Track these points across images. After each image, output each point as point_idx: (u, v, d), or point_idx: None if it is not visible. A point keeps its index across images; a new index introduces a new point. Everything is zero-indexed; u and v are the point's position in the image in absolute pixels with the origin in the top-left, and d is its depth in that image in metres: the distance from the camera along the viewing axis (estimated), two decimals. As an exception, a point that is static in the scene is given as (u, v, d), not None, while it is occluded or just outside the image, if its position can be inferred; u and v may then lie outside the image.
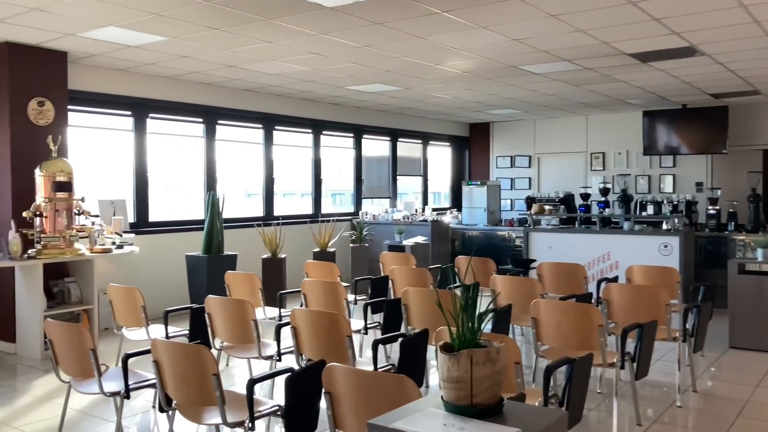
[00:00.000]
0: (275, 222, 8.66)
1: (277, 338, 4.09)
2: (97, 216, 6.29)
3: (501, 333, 4.36)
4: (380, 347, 3.88)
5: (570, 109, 10.86)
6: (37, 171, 5.87)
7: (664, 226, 7.98)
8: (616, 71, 7.49)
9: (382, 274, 6.66)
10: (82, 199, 6.06)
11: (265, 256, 7.87)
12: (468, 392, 1.94)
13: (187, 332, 4.64)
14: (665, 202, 9.20)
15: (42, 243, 5.82)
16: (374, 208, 10.85)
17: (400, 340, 3.77)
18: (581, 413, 3.36)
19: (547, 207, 8.96)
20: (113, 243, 6.47)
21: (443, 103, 10.04)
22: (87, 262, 6.14)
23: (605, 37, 5.90)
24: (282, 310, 5.30)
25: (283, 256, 7.90)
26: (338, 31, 5.65)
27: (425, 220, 9.67)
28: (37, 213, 5.80)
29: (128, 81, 7.33)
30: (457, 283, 6.36)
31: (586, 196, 10.39)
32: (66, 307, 6.07)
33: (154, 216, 7.83)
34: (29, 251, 5.79)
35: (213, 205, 7.19)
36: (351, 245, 9.30)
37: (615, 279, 5.94)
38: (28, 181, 5.96)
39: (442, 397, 2.01)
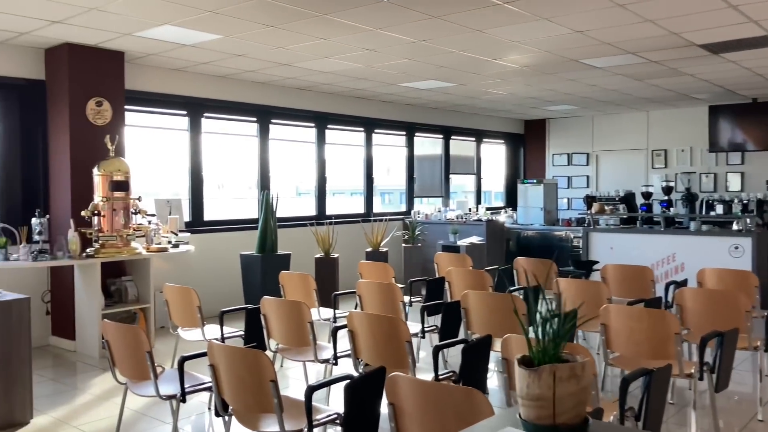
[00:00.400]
0: (328, 221, 8.59)
1: (334, 341, 3.98)
2: (153, 215, 6.32)
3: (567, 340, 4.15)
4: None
5: (630, 104, 10.45)
6: (95, 170, 5.93)
7: (735, 227, 7.56)
8: (683, 64, 7.13)
9: (437, 276, 6.49)
10: (139, 198, 6.09)
11: (318, 256, 7.80)
12: (550, 411, 1.77)
13: (243, 333, 4.57)
14: (735, 201, 8.75)
15: (100, 242, 5.87)
16: (425, 207, 10.68)
17: (461, 346, 3.60)
18: (660, 428, 3.13)
19: (607, 206, 8.63)
20: (169, 242, 6.50)
21: (498, 99, 9.79)
22: (143, 261, 6.17)
23: (675, 28, 5.59)
24: (336, 311, 5.20)
25: (335, 255, 7.82)
26: (394, 26, 5.51)
27: (480, 220, 9.45)
28: (95, 212, 5.85)
29: (183, 81, 7.36)
30: (517, 286, 6.14)
31: (647, 195, 10.00)
32: (123, 305, 6.12)
33: (208, 215, 7.85)
34: (88, 250, 5.85)
35: (267, 205, 7.15)
36: (403, 245, 9.16)
37: (684, 282, 5.63)
38: (86, 181, 6.02)
39: (519, 415, 1.84)
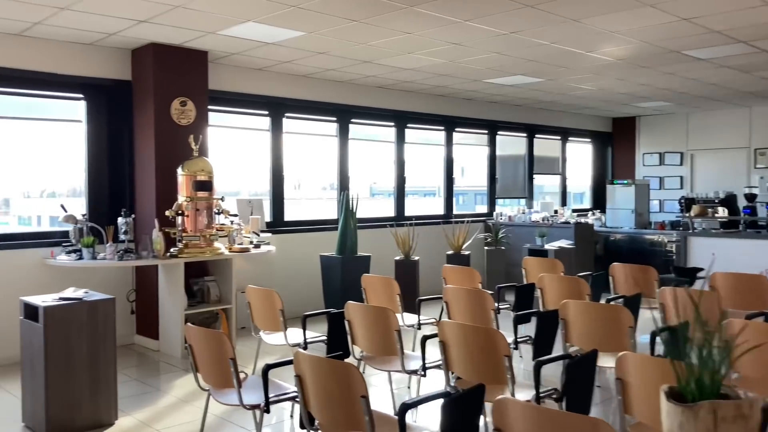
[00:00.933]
0: (407, 222, 8.36)
1: (423, 352, 3.73)
2: (235, 215, 6.27)
3: (676, 358, 3.75)
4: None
5: (731, 99, 9.73)
6: (179, 170, 5.92)
7: None
8: (800, 53, 6.50)
9: (526, 281, 6.15)
10: (222, 199, 6.04)
11: (397, 258, 7.59)
12: (711, 458, 1.47)
13: (325, 338, 4.40)
14: None
15: (183, 242, 5.85)
16: (507, 208, 10.28)
17: (565, 362, 3.29)
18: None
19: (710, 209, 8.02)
20: (251, 242, 6.43)
21: (586, 95, 9.31)
22: (226, 262, 6.13)
23: (798, 11, 5.05)
24: (420, 317, 4.96)
25: (416, 258, 7.58)
26: (483, 17, 5.22)
27: (567, 222, 8.99)
28: (179, 212, 5.83)
29: (265, 80, 7.30)
30: (614, 294, 5.73)
31: (751, 197, 9.27)
32: (205, 305, 6.09)
33: (288, 215, 7.78)
34: (171, 250, 5.84)
35: (347, 205, 6.98)
36: (486, 248, 8.82)
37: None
38: (170, 180, 6.03)
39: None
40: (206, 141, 6.36)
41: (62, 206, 5.82)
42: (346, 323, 4.18)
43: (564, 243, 8.24)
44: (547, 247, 7.99)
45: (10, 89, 5.80)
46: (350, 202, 7.01)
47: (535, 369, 3.17)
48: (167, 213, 5.80)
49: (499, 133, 10.24)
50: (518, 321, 4.41)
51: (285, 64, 6.95)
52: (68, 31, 5.56)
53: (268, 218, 7.46)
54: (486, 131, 10.08)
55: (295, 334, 4.52)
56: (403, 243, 7.50)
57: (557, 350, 4.03)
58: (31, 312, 4.11)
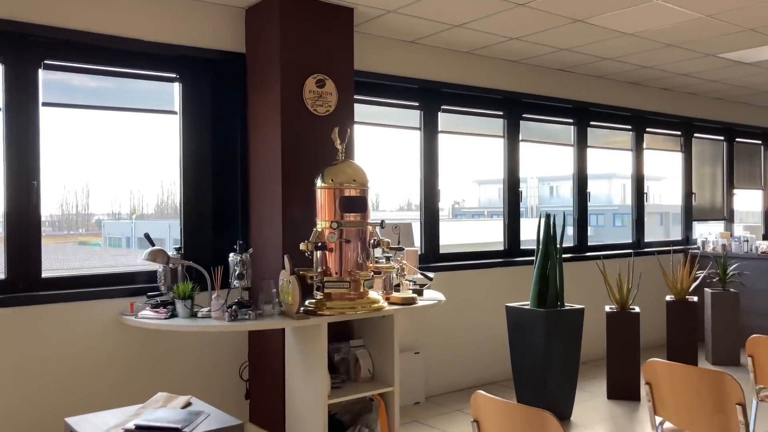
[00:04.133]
0: (595, 255, 6.10)
1: None
2: (399, 248, 4.17)
3: None
4: None
5: None
6: (318, 181, 3.87)
7: None
8: None
9: None
10: (381, 224, 3.96)
11: (610, 308, 5.28)
12: None
13: None
14: None
15: (325, 290, 3.79)
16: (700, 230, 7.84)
17: None
18: None
19: None
20: (413, 287, 4.33)
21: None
22: (383, 320, 4.02)
23: None
24: None
25: (635, 309, 5.27)
26: None
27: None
28: (319, 244, 3.78)
29: (416, 58, 5.24)
30: None
31: None
32: (353, 387, 3.98)
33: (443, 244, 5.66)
34: (306, 302, 3.79)
35: (547, 233, 4.76)
36: (709, 290, 6.38)
37: None
38: (303, 196, 4.00)
39: None
40: (353, 138, 4.31)
41: (147, 236, 3.88)
42: (646, 387, 1.96)
43: None
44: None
45: (68, 62, 3.92)
46: (552, 227, 4.78)
47: None
48: (302, 247, 3.75)
49: (695, 135, 7.82)
50: None
51: (453, 30, 4.87)
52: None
53: (419, 250, 5.36)
54: (679, 132, 7.69)
55: None
56: (619, 286, 5.20)
57: None
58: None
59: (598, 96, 6.62)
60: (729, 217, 8.25)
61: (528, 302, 4.80)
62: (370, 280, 3.90)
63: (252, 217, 4.36)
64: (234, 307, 3.64)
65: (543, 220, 4.76)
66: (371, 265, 3.92)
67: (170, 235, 4.54)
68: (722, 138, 8.20)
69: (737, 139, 8.34)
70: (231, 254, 3.82)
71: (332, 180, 3.83)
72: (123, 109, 4.20)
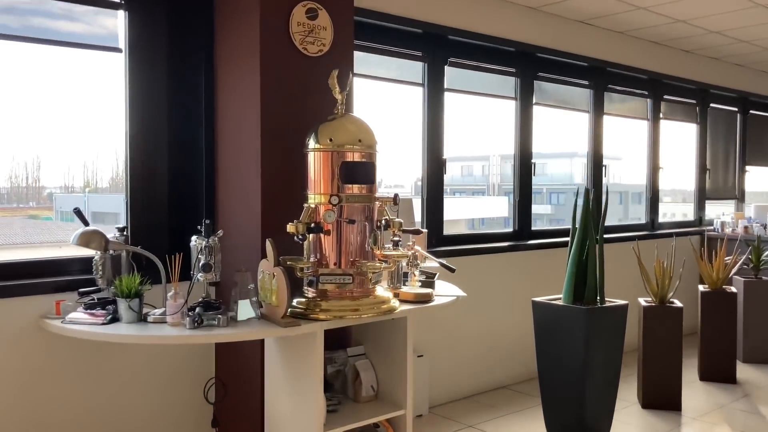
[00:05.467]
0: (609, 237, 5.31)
1: None
2: (416, 230, 3.24)
3: None
4: None
5: None
6: (309, 141, 2.91)
7: None
8: None
9: None
10: (395, 200, 3.03)
11: (646, 302, 4.47)
12: None
13: None
14: None
15: (320, 285, 2.86)
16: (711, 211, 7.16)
17: None
18: None
19: None
20: (423, 278, 3.43)
21: None
22: (393, 323, 3.11)
23: None
24: None
25: (676, 303, 4.47)
26: None
27: None
28: (312, 225, 2.83)
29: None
30: None
31: None
32: (353, 410, 3.07)
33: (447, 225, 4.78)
34: (295, 302, 2.85)
35: (586, 214, 3.88)
36: (739, 278, 5.63)
37: None
38: (290, 162, 3.04)
39: None
40: (352, 87, 3.33)
41: (77, 212, 2.87)
42: None
43: None
44: None
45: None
46: (590, 207, 3.90)
47: None
48: (289, 229, 2.80)
49: (711, 105, 7.08)
50: None
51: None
52: None
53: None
54: (694, 101, 6.92)
55: None
56: (658, 276, 4.39)
57: None
58: None
59: (617, 54, 5.78)
60: (740, 197, 7.57)
61: (558, 296, 3.94)
62: (379, 273, 2.99)
63: (220, 189, 3.37)
64: (198, 309, 2.68)
65: (581, 198, 3.89)
66: (379, 252, 3.00)
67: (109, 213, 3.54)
68: (736, 109, 7.48)
69: (751, 111, 7.63)
70: (193, 238, 2.83)
71: (330, 140, 2.87)
72: (48, 42, 3.15)
